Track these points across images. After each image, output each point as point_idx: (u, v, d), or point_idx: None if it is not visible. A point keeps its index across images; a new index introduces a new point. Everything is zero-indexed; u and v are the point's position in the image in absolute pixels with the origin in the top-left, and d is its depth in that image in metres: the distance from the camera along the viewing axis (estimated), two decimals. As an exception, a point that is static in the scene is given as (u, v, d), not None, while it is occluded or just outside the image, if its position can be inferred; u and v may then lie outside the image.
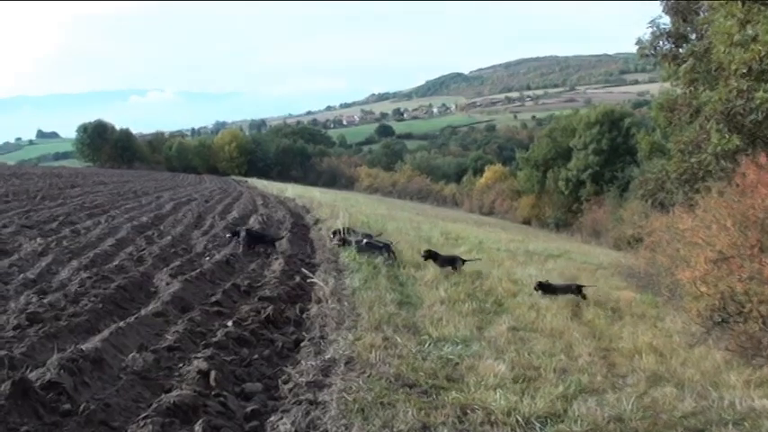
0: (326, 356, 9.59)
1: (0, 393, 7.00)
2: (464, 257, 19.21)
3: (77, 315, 11.09)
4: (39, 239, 18.97)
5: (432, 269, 17.52)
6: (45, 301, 12.00)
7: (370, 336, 10.49)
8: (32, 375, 7.79)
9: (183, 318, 11.63)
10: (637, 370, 10.82)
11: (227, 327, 11.11)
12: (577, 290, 16.56)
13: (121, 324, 10.51)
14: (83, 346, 8.89)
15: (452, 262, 18.37)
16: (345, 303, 12.98)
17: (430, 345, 10.52)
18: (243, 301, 13.43)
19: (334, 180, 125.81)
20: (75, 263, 15.99)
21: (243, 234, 19.76)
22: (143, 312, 11.62)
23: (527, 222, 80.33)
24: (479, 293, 15.66)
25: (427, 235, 28.46)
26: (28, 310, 11.17)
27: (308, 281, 15.19)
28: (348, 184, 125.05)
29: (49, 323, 10.41)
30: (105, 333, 9.96)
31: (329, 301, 13.08)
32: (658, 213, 24.66)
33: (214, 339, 10.28)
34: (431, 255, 18.37)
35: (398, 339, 10.49)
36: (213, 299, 13.24)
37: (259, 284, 15.14)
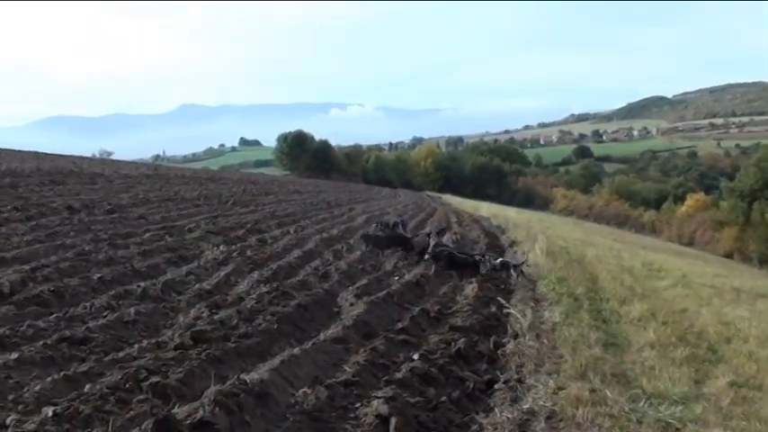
0: (524, 406, 8.31)
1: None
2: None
3: (248, 336, 10.26)
4: (222, 247, 18.60)
5: (638, 305, 15.76)
6: (216, 317, 11.28)
7: (575, 385, 9.07)
8: (182, 411, 6.84)
9: (365, 346, 10.52)
10: None
11: (412, 360, 9.91)
12: None
13: (296, 351, 9.54)
14: (247, 377, 7.91)
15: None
16: (545, 341, 11.54)
17: (644, 403, 8.97)
18: (432, 330, 12.19)
19: (528, 200, 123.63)
20: (255, 274, 15.40)
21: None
22: (321, 337, 10.65)
23: (728, 256, 75.41)
24: (690, 336, 13.90)
25: (628, 264, 26.50)
26: (195, 328, 10.43)
27: (504, 311, 13.82)
28: (543, 204, 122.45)
29: (215, 344, 9.57)
30: (276, 360, 9.05)
31: (527, 337, 11.69)
32: None
33: (398, 375, 9.09)
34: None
35: (608, 393, 9.00)
36: (399, 325, 12.04)
37: (450, 311, 13.84)
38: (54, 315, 10.55)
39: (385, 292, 14.44)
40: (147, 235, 19.31)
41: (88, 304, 11.43)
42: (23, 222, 19.01)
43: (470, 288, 16.04)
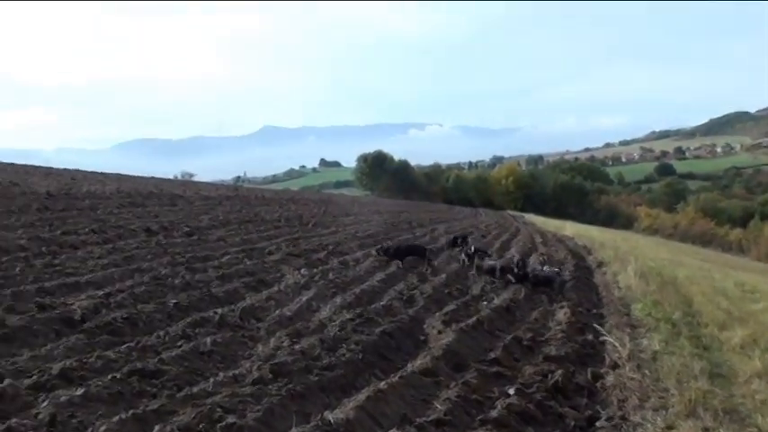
0: (632, 448, 7.54)
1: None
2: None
3: (332, 368, 9.67)
4: (303, 270, 18.15)
5: (738, 330, 14.91)
6: (297, 347, 10.67)
7: (685, 424, 8.43)
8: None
9: (456, 379, 9.90)
10: None
11: (508, 395, 9.21)
12: None
13: (382, 385, 8.90)
14: (331, 416, 7.30)
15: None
16: (647, 371, 10.76)
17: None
18: (526, 360, 11.48)
19: (611, 219, 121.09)
20: (338, 299, 14.95)
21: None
22: (409, 368, 10.01)
23: (819, 274, 72.85)
24: None
25: (721, 286, 25.54)
26: (275, 360, 9.81)
27: (601, 338, 13.05)
28: (626, 223, 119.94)
29: (296, 377, 8.98)
30: (362, 396, 8.45)
31: (627, 367, 10.91)
32: None
33: (493, 414, 8.41)
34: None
35: (722, 433, 8.21)
36: (491, 355, 11.41)
37: (543, 339, 13.09)
38: (126, 345, 10.07)
39: (474, 318, 13.80)
40: (226, 258, 19.01)
41: (162, 333, 10.97)
42: (100, 245, 18.85)
43: (562, 313, 15.36)
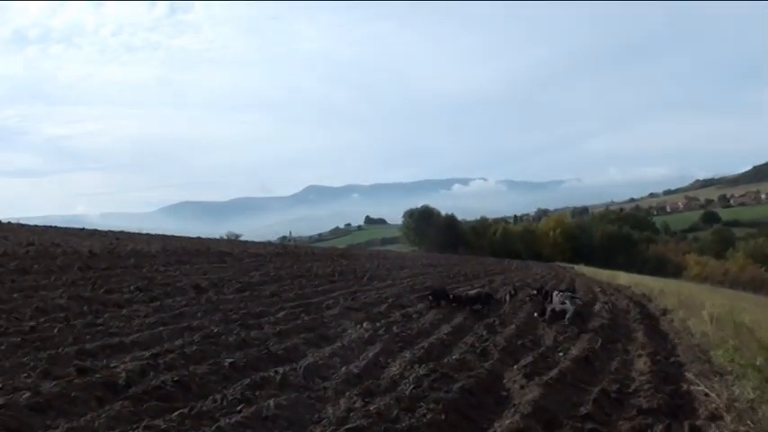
0: None
1: None
2: None
3: (412, 431, 8.54)
4: (365, 324, 17.43)
5: None
6: (371, 407, 9.54)
7: None
8: None
9: (551, 438, 8.69)
10: None
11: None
12: None
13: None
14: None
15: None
16: (749, 422, 9.59)
17: None
18: (617, 414, 10.47)
19: (660, 268, 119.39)
20: (407, 354, 14.04)
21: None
22: (498, 428, 8.85)
23: None
24: None
25: None
26: (348, 423, 8.72)
27: (692, 388, 11.92)
28: (675, 272, 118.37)
29: (375, 442, 7.80)
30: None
31: (728, 418, 9.76)
32: None
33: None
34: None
35: None
36: (582, 410, 10.31)
37: (630, 390, 12.02)
38: (177, 412, 8.89)
39: (557, 370, 12.76)
40: (282, 314, 18.20)
41: (219, 396, 9.83)
42: (146, 304, 18.12)
43: (642, 362, 14.52)
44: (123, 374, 10.25)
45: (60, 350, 11.85)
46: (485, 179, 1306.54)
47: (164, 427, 8.21)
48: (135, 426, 8.13)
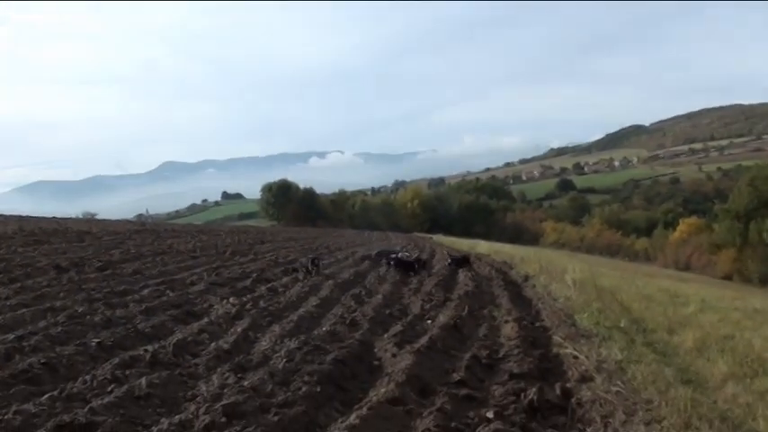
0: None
1: None
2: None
3: (290, 405, 8.46)
4: (231, 299, 17.30)
5: (685, 333, 15.01)
6: (245, 383, 9.39)
7: None
8: None
9: (426, 405, 8.87)
10: None
11: (489, 420, 8.27)
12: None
13: (353, 419, 7.82)
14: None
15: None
16: (619, 383, 9.87)
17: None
18: (490, 380, 10.59)
19: (518, 236, 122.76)
20: (276, 328, 14.00)
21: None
22: (374, 398, 8.85)
23: (727, 278, 75.69)
24: (756, 365, 12.59)
25: (647, 292, 25.96)
26: (224, 400, 8.51)
27: (560, 351, 12.37)
28: (532, 239, 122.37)
29: (253, 419, 7.77)
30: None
31: (598, 380, 10.05)
32: None
33: (480, 443, 7.39)
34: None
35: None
36: (455, 376, 10.44)
37: (500, 356, 12.23)
38: (47, 395, 8.51)
39: (426, 338, 12.89)
40: (147, 291, 17.76)
41: (89, 377, 9.46)
42: (6, 285, 17.29)
43: (509, 328, 14.77)
44: (-15, 358, 9.75)
45: None
46: (341, 152, 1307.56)
47: (34, 410, 7.84)
48: (4, 411, 7.75)
